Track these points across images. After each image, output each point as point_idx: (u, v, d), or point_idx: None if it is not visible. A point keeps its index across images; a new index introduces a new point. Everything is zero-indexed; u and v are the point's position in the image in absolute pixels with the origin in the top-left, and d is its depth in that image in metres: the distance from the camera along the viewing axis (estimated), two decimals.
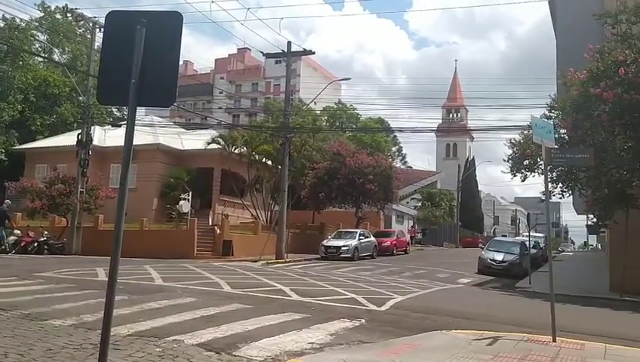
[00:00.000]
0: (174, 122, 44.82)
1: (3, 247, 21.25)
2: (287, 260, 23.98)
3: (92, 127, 25.56)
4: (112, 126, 31.16)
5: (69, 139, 27.78)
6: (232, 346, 6.12)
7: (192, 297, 9.97)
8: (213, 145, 30.01)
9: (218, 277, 13.91)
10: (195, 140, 32.25)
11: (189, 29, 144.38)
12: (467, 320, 9.29)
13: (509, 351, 6.45)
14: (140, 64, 3.71)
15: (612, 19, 15.71)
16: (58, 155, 29.04)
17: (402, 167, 61.28)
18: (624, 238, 15.88)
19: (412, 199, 58.42)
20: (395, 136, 60.84)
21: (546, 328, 7.51)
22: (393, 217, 48.50)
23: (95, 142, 26.51)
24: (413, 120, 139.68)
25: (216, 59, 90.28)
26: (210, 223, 28.52)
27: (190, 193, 26.45)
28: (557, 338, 7.22)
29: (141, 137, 27.66)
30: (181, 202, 25.76)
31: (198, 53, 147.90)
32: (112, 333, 5.96)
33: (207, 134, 32.18)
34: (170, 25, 3.87)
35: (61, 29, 41.27)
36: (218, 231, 25.82)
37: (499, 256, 22.90)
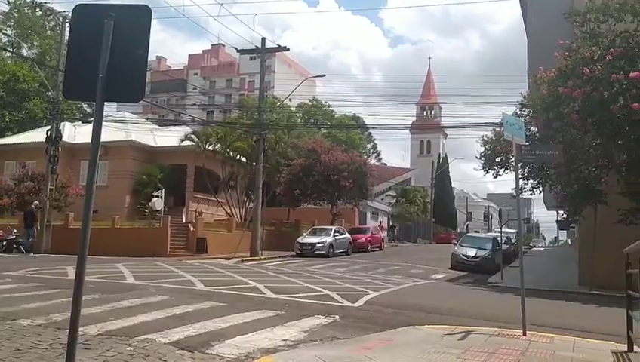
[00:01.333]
0: (147, 118, 44.18)
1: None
2: (262, 257, 23.91)
3: (62, 123, 25.10)
4: (83, 122, 30.64)
5: (38, 135, 27.19)
6: (204, 344, 6.07)
7: (165, 295, 9.85)
8: (187, 142, 29.70)
9: (191, 275, 13.79)
10: (168, 137, 31.87)
11: (162, 25, 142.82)
12: (440, 315, 9.39)
13: (479, 345, 6.53)
14: (108, 58, 3.63)
15: (581, 18, 16.00)
16: (27, 152, 28.40)
17: (377, 163, 61.53)
18: (593, 234, 16.24)
19: (387, 196, 58.73)
20: (370, 133, 61.16)
21: (517, 322, 7.63)
22: (368, 214, 48.71)
23: (65, 138, 26.05)
24: (387, 117, 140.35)
25: (189, 55, 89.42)
26: (184, 221, 28.27)
27: (163, 190, 26.17)
28: (527, 332, 7.35)
29: (113, 134, 27.23)
30: (154, 199, 25.45)
31: (172, 48, 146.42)
32: (81, 333, 5.89)
33: (181, 131, 31.88)
34: (139, 19, 3.80)
35: (29, 23, 40.34)
36: (192, 229, 25.61)
37: (471, 252, 23.21)
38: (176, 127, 35.24)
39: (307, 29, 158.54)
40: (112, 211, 25.44)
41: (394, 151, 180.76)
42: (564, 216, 24.58)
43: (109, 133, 26.44)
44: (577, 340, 7.20)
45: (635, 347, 6.07)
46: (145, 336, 6.25)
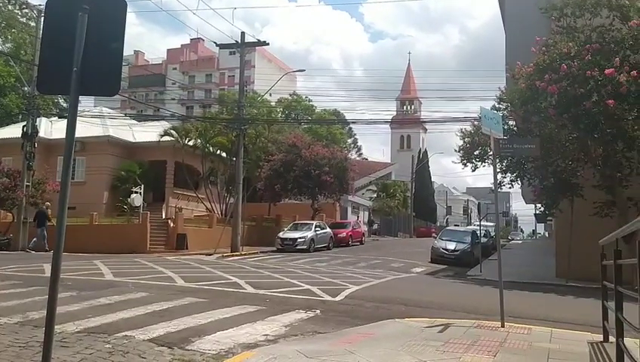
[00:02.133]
0: (125, 114, 43.66)
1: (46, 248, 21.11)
2: (243, 253, 23.83)
3: (38, 119, 24.67)
4: (59, 117, 30.13)
5: (14, 131, 26.68)
6: (184, 340, 6.05)
7: (144, 292, 9.78)
8: (166, 138, 29.43)
9: (171, 271, 13.69)
10: (147, 132, 31.55)
11: (140, 19, 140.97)
12: (420, 308, 9.46)
13: (459, 337, 6.61)
14: (83, 52, 3.57)
15: (557, 13, 16.19)
16: (3, 148, 27.89)
17: (358, 158, 61.70)
18: (569, 226, 16.49)
19: (367, 190, 58.92)
20: (351, 128, 61.28)
21: (496, 314, 7.72)
22: (349, 208, 48.81)
23: (41, 133, 25.60)
24: (368, 112, 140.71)
25: (168, 50, 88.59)
26: (164, 217, 28.04)
27: (142, 186, 25.92)
28: (505, 323, 7.45)
29: (90, 129, 26.87)
30: (133, 195, 25.19)
31: (150, 43, 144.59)
32: (59, 331, 5.84)
33: (160, 126, 31.54)
34: (114, 11, 3.74)
35: (3, 17, 39.51)
36: (172, 225, 25.42)
37: (451, 245, 23.40)
38: (155, 123, 34.85)
39: (287, 24, 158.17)
40: (91, 208, 25.13)
41: (375, 146, 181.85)
42: (542, 209, 24.89)
43: (87, 129, 26.08)
44: (554, 331, 7.32)
45: (610, 337, 6.18)
46: (124, 333, 6.20)
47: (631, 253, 3.43)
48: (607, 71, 14.04)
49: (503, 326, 7.38)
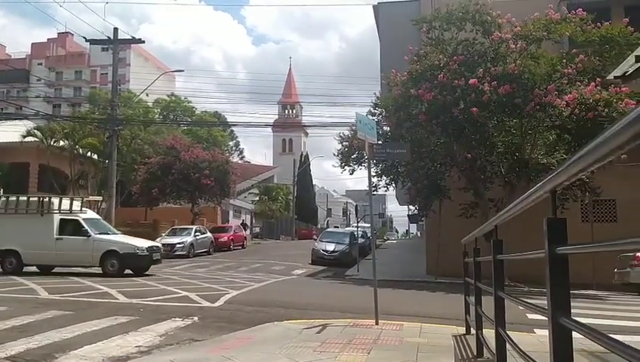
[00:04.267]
0: None
1: None
2: None
3: None
4: None
5: None
6: (47, 357, 5.60)
7: (2, 306, 8.90)
8: (30, 138, 27.18)
9: (34, 282, 12.62)
10: (7, 132, 28.92)
11: (3, 10, 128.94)
12: (299, 310, 9.54)
13: (336, 336, 6.74)
14: None
15: (427, 25, 17.24)
16: None
17: (240, 161, 61.17)
18: (438, 226, 17.59)
19: (250, 193, 58.65)
20: (232, 130, 60.56)
21: (371, 312, 7.98)
22: (231, 212, 48.26)
23: None
24: (251, 115, 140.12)
25: (33, 44, 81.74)
26: None
27: (1, 190, 23.68)
28: (379, 321, 7.73)
29: None
30: None
31: (13, 36, 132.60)
32: None
33: (23, 125, 29.05)
34: None
35: None
36: None
37: (330, 247, 23.97)
38: (17, 122, 32.05)
39: (167, 23, 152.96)
40: None
41: (258, 149, 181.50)
42: (415, 210, 26.32)
43: None
44: (424, 326, 7.73)
45: (471, 329, 6.65)
46: None
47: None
48: (471, 81, 15.19)
49: (377, 323, 7.65)
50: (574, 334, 1.66)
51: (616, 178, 16.01)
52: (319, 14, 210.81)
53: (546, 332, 1.90)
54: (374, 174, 19.24)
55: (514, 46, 16.23)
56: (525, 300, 2.52)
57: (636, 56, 8.07)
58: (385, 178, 19.81)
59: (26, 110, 42.57)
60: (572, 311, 1.82)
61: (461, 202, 17.14)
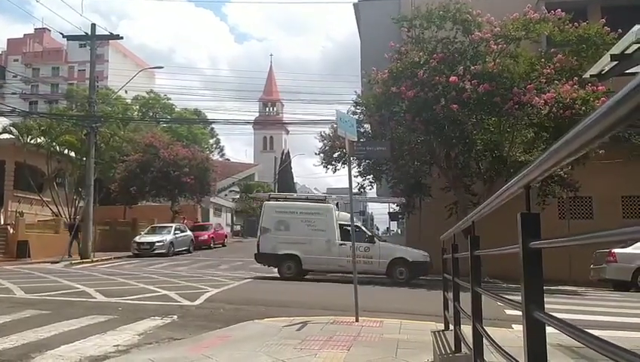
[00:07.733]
0: None
1: None
2: (95, 259, 22.28)
3: None
4: None
5: None
6: (23, 357, 5.52)
7: None
8: (5, 135, 26.60)
9: (10, 282, 12.42)
10: None
11: None
12: (280, 308, 9.52)
13: (316, 333, 6.75)
14: None
15: (408, 24, 17.32)
16: None
17: (220, 159, 60.81)
18: (419, 223, 17.71)
19: (230, 191, 58.38)
20: (213, 128, 60.20)
21: (352, 309, 8.01)
22: (211, 210, 47.98)
23: None
24: (232, 112, 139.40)
25: (9, 40, 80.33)
26: (2, 222, 25.36)
27: None
28: (360, 318, 7.76)
29: None
30: None
31: None
32: None
33: None
34: None
35: None
36: (11, 231, 23.06)
37: None
38: None
39: (147, 20, 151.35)
40: None
41: (239, 147, 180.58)
42: (396, 208, 26.44)
43: None
44: (404, 322, 7.77)
45: (450, 325, 6.71)
46: None
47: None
48: (451, 78, 15.30)
49: (357, 320, 7.68)
50: (551, 329, 1.68)
51: (593, 175, 16.25)
52: (302, 12, 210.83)
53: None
54: (357, 174, 19.28)
55: (495, 47, 16.38)
56: (502, 296, 2.55)
57: (611, 55, 8.21)
58: (368, 176, 19.81)
59: (2, 107, 41.69)
60: (549, 306, 1.84)
61: (442, 200, 17.26)
